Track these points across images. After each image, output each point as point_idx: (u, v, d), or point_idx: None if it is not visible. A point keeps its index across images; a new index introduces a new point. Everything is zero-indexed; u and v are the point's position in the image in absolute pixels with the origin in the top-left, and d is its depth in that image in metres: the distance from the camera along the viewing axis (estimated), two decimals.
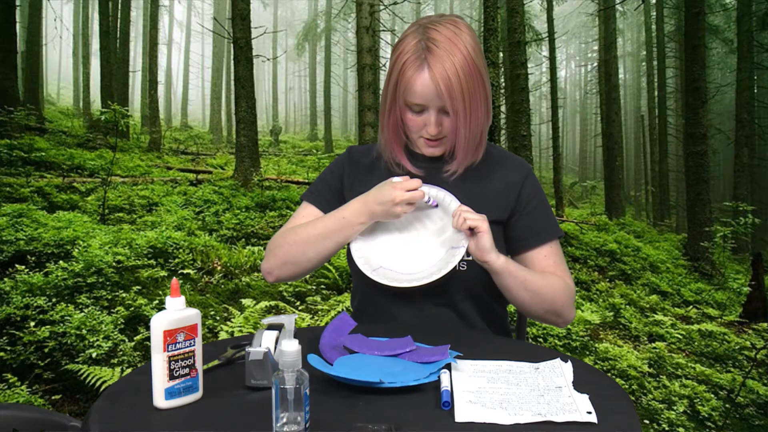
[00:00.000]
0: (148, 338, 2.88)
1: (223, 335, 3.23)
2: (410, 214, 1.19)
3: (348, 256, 1.30)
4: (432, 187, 1.21)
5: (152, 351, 0.78)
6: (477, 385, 0.85)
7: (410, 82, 1.17)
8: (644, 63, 23.06)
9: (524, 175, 1.28)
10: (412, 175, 1.26)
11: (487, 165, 1.28)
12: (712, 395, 3.57)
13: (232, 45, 7.94)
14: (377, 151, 1.34)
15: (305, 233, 1.23)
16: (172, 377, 0.78)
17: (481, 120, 1.21)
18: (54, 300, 3.13)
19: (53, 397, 2.52)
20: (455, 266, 1.15)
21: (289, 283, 4.33)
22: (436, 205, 1.20)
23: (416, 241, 1.21)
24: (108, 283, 3.52)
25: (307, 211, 1.32)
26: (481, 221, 1.09)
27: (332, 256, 1.25)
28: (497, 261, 1.11)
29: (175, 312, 0.79)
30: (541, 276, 1.18)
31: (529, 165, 1.32)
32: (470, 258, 1.19)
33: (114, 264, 3.72)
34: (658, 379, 3.79)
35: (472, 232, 1.10)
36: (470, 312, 1.25)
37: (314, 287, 4.37)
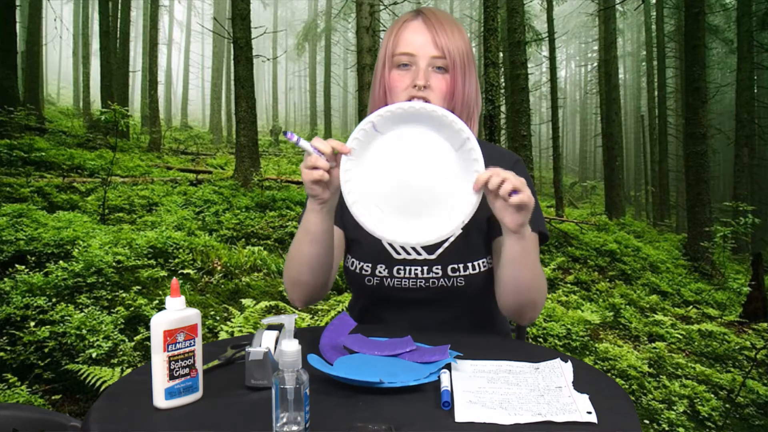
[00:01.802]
0: (148, 338, 2.88)
1: (223, 335, 3.23)
2: (422, 153, 0.99)
3: (344, 268, 1.29)
4: (458, 119, 0.98)
5: (152, 351, 0.78)
6: (477, 385, 0.85)
7: (401, 31, 1.15)
8: (644, 63, 23.05)
9: (511, 164, 1.23)
10: None
11: None
12: (712, 395, 3.57)
13: (232, 45, 7.94)
14: None
15: (290, 251, 1.18)
16: (172, 377, 0.78)
17: (471, 92, 1.18)
18: (54, 300, 3.13)
19: (53, 397, 2.52)
20: (450, 234, 0.99)
21: None
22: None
23: (420, 180, 1.00)
24: (108, 283, 3.52)
25: None
26: (529, 199, 0.93)
27: (320, 259, 1.11)
28: (525, 232, 1.01)
29: (175, 312, 0.79)
30: (539, 266, 1.12)
31: (518, 156, 1.28)
32: (468, 272, 1.18)
33: (114, 264, 3.72)
34: (658, 379, 3.79)
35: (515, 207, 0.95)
36: (470, 327, 1.24)
37: None
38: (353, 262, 1.24)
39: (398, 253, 1.21)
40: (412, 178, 1.00)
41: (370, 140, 1.00)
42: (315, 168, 0.96)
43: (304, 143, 0.95)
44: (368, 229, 1.00)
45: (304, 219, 1.10)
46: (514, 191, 0.93)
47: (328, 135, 23.53)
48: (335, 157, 0.98)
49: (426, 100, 1.13)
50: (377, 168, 1.00)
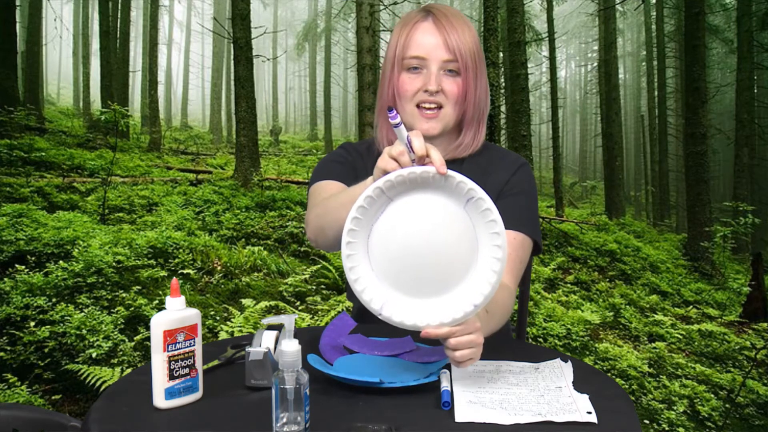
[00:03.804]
0: (148, 338, 2.88)
1: (223, 335, 3.23)
2: (432, 223, 0.87)
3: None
4: (476, 187, 0.84)
5: (152, 351, 0.78)
6: (477, 385, 0.85)
7: (411, 32, 1.12)
8: (644, 63, 23.05)
9: (514, 169, 1.22)
10: None
11: (485, 163, 1.24)
12: (712, 395, 3.57)
13: (232, 45, 7.94)
14: (377, 148, 1.28)
15: (329, 205, 1.09)
16: (172, 377, 0.78)
17: (482, 93, 1.16)
18: (54, 300, 3.13)
19: (53, 397, 2.52)
20: (482, 304, 0.86)
21: (289, 283, 4.33)
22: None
23: (433, 254, 0.87)
24: (108, 283, 3.52)
25: (331, 185, 1.17)
26: (474, 357, 0.84)
27: None
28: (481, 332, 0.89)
29: (175, 312, 0.79)
30: (498, 306, 1.02)
31: (524, 160, 1.27)
32: None
33: (114, 264, 3.72)
34: (658, 379, 3.79)
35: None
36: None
37: (314, 287, 4.37)
38: None
39: None
40: (425, 253, 0.87)
41: (366, 231, 0.88)
42: (395, 160, 0.86)
43: (401, 131, 0.85)
44: (374, 311, 0.88)
45: (357, 189, 0.98)
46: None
47: (328, 135, 23.53)
48: (421, 159, 0.85)
49: (438, 105, 1.12)
50: (383, 243, 0.87)
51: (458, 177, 0.83)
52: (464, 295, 0.86)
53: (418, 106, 1.14)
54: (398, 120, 0.84)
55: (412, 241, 0.87)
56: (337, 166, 1.26)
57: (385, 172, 0.85)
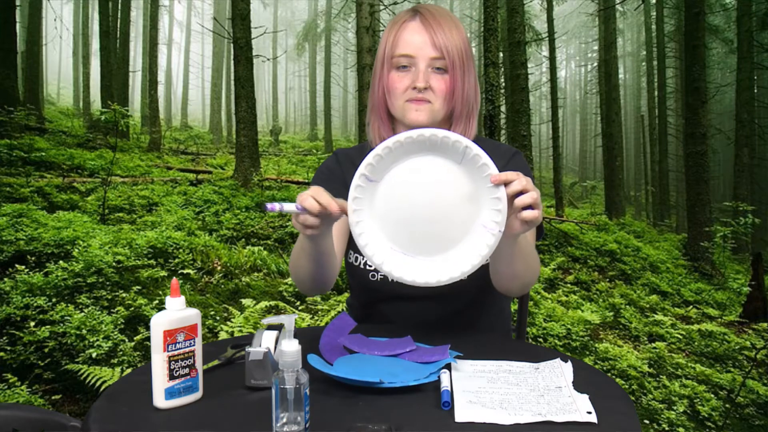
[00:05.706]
0: (148, 338, 2.88)
1: (223, 335, 3.23)
2: (429, 184, 0.94)
3: (346, 263, 1.29)
4: (451, 133, 0.91)
5: (152, 351, 0.78)
6: (477, 385, 0.85)
7: (399, 32, 1.15)
8: (644, 63, 23.05)
9: (509, 157, 1.23)
10: None
11: None
12: (712, 395, 3.57)
13: (232, 45, 7.94)
14: (369, 147, 1.29)
15: (292, 255, 1.15)
16: (172, 377, 0.78)
17: (471, 90, 1.17)
18: (54, 300, 3.13)
19: (53, 397, 2.52)
20: (486, 256, 0.93)
21: (289, 283, 4.34)
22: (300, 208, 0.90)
23: (436, 211, 0.95)
24: (108, 283, 3.52)
25: None
26: (539, 217, 0.89)
27: (320, 271, 1.09)
28: (522, 235, 0.97)
29: (175, 312, 0.79)
30: (533, 253, 1.10)
31: (516, 149, 1.27)
32: None
33: (114, 264, 3.72)
34: (658, 379, 3.79)
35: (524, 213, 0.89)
36: (476, 319, 1.24)
37: None
38: (357, 257, 1.23)
39: None
40: (426, 215, 0.95)
41: (372, 190, 0.95)
42: (306, 224, 0.91)
43: (288, 207, 0.88)
44: (384, 271, 0.96)
45: (300, 239, 1.06)
46: (530, 207, 0.88)
47: (328, 135, 23.51)
48: (321, 213, 0.90)
49: (426, 101, 1.14)
50: (387, 212, 0.96)
51: (454, 137, 0.90)
52: (468, 249, 0.94)
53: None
54: (278, 208, 0.86)
55: (412, 198, 0.94)
56: (326, 186, 1.25)
57: (307, 234, 0.93)
